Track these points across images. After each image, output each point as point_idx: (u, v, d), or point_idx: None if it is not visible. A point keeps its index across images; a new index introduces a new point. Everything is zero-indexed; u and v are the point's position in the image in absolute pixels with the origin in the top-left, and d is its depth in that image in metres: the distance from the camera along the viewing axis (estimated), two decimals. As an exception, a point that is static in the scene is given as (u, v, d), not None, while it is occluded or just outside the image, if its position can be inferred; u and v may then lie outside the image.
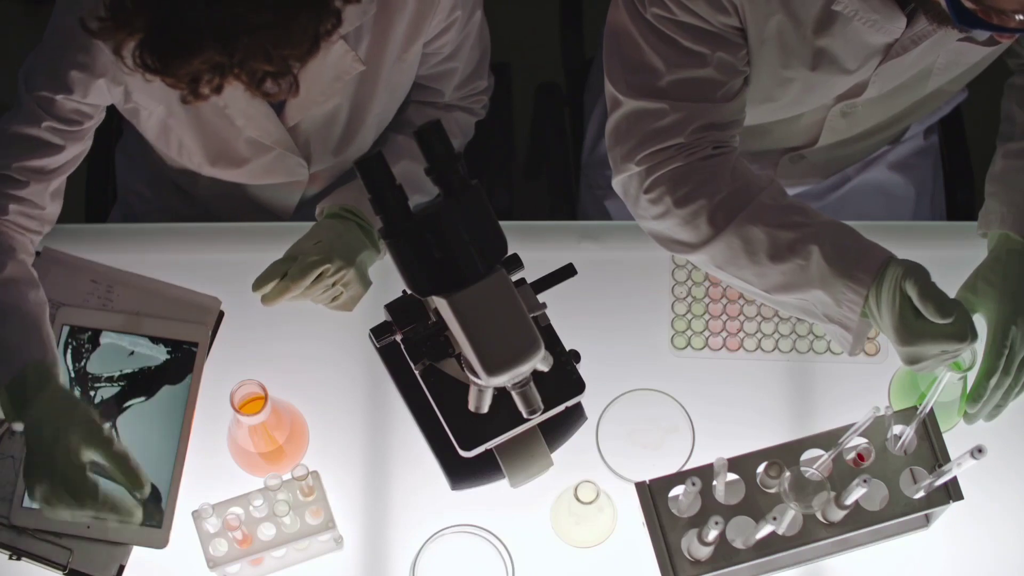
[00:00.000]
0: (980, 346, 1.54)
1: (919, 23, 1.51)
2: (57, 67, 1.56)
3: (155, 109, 1.65)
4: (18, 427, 1.50)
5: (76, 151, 1.63)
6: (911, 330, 1.44)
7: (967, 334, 1.43)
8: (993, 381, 1.55)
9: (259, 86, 1.33)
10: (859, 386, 1.68)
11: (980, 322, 1.57)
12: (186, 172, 1.82)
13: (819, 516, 1.47)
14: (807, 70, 1.58)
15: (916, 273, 1.44)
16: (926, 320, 1.43)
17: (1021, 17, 1.29)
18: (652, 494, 1.48)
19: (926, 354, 1.45)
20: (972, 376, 1.55)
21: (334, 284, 1.60)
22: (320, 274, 1.57)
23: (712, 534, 1.39)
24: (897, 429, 1.49)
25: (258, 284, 1.58)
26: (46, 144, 1.60)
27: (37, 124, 1.58)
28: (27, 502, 1.59)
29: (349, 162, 1.78)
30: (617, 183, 1.62)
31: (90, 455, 1.48)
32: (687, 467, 1.59)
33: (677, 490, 1.48)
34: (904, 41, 1.53)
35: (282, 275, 1.57)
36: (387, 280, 1.64)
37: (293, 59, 1.33)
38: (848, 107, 1.70)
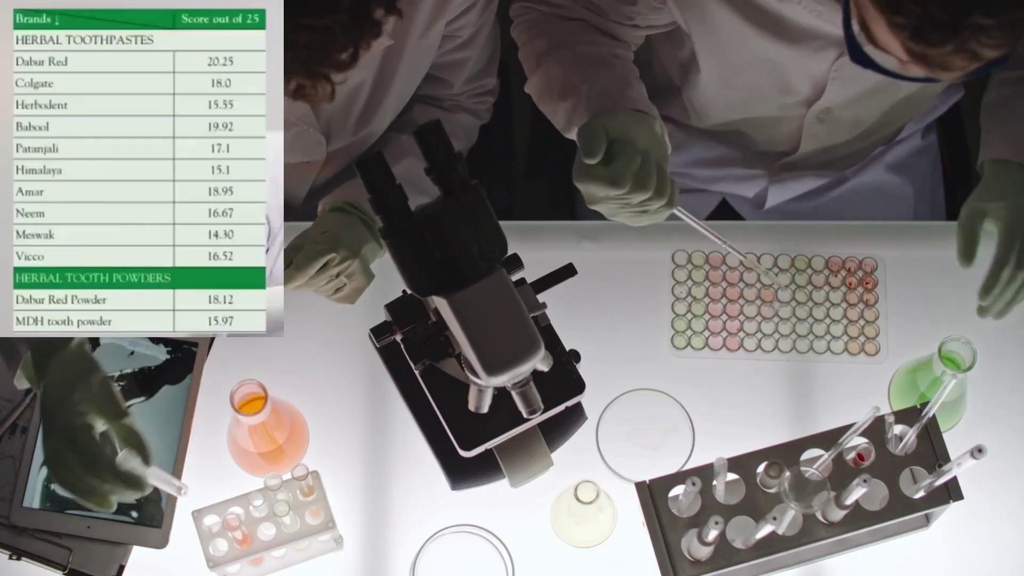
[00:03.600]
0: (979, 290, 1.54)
1: None
2: None
3: None
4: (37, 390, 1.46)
5: None
6: (577, 169, 1.47)
7: (622, 179, 1.43)
8: (1006, 273, 1.57)
9: (296, 94, 1.34)
10: (859, 386, 1.68)
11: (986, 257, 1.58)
12: None
13: (819, 516, 1.47)
14: (762, 39, 1.60)
15: (599, 115, 1.48)
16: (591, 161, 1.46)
17: (909, 65, 1.28)
18: (652, 494, 1.48)
19: (595, 195, 1.48)
20: (971, 375, 1.55)
21: (338, 275, 1.60)
22: (325, 264, 1.57)
23: (712, 534, 1.39)
24: (898, 429, 1.49)
25: None
26: None
27: None
28: (27, 502, 1.59)
29: (365, 142, 1.79)
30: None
31: (102, 424, 1.43)
32: (687, 467, 1.59)
33: (677, 490, 1.48)
34: None
35: (287, 264, 1.57)
36: (387, 280, 1.63)
37: (333, 72, 1.33)
38: (823, 113, 1.72)
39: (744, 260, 1.68)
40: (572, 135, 1.59)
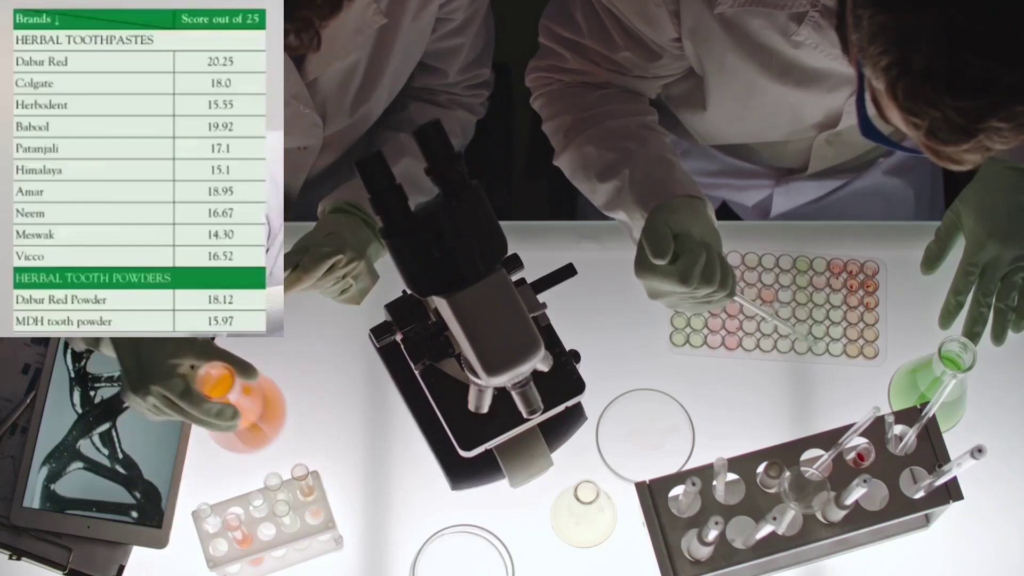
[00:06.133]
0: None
1: None
2: None
3: None
4: (108, 352, 1.47)
5: None
6: (642, 265, 1.49)
7: (690, 278, 1.45)
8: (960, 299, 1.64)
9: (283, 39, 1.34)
10: (859, 386, 1.68)
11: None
12: None
13: (819, 516, 1.47)
14: (778, 85, 1.60)
15: (658, 210, 1.50)
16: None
17: (912, 139, 1.28)
18: (652, 494, 1.48)
19: (659, 290, 1.50)
20: (971, 376, 1.55)
21: (345, 276, 1.59)
22: (332, 265, 1.57)
23: (712, 534, 1.39)
24: (898, 429, 1.49)
25: None
26: None
27: None
28: (27, 502, 1.59)
29: (362, 125, 1.79)
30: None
31: (188, 359, 1.46)
32: (687, 467, 1.59)
33: (677, 490, 1.48)
34: None
35: (293, 266, 1.56)
36: (387, 280, 1.64)
37: (315, 18, 1.33)
38: (832, 136, 1.73)
39: (812, 348, 1.70)
40: (612, 214, 1.62)
